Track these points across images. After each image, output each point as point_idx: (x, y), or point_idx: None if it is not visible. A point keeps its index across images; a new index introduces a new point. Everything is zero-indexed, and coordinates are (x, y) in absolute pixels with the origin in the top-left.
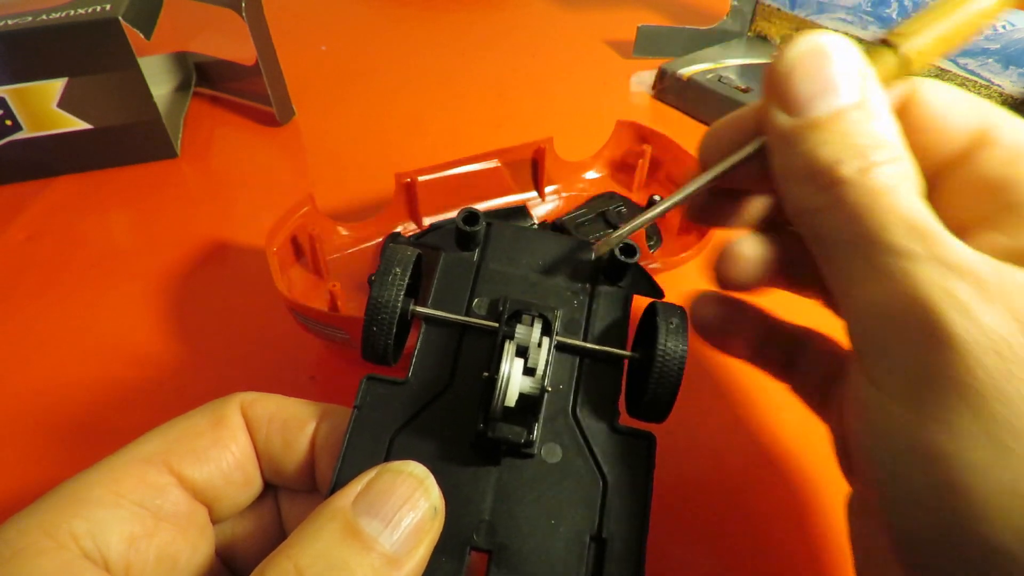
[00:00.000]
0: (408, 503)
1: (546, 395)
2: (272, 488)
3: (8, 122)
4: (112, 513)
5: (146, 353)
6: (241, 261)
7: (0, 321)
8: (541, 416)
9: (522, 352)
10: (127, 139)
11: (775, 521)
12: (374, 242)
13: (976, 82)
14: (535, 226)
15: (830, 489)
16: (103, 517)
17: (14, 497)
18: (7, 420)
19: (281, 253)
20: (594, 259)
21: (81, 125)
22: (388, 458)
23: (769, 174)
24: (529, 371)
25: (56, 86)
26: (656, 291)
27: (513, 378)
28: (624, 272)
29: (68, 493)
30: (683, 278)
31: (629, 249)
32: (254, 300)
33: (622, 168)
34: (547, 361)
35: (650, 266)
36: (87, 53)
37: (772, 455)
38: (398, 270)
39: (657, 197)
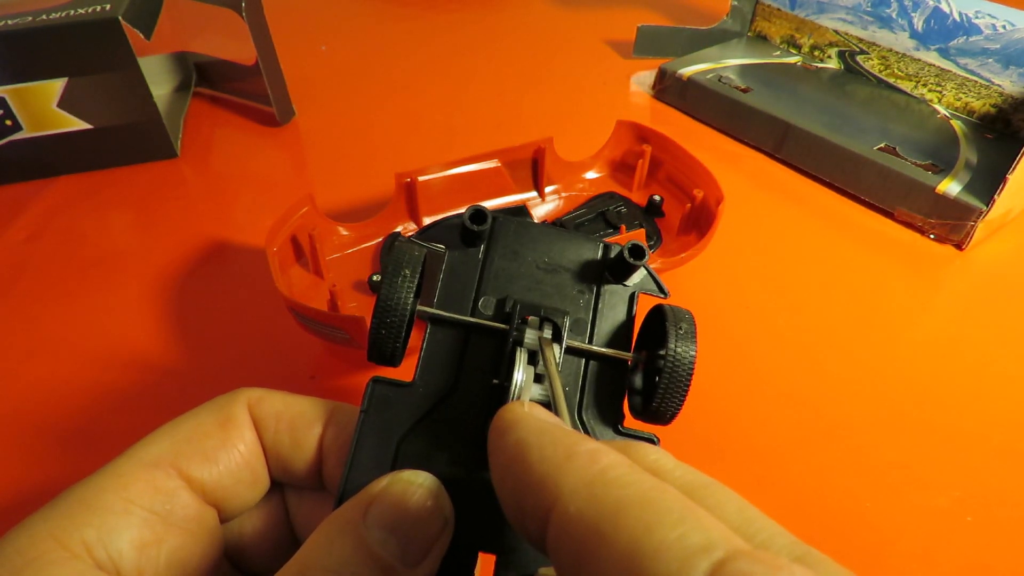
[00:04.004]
0: (420, 516)
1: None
2: (279, 485)
3: (8, 122)
4: (123, 520)
5: (146, 353)
6: (241, 261)
7: (0, 321)
8: None
9: (531, 358)
10: (127, 139)
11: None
12: (374, 242)
13: (976, 82)
14: None
15: (837, 512)
16: (114, 524)
17: (14, 498)
18: (7, 420)
19: (281, 253)
20: (600, 257)
21: (81, 125)
22: (396, 462)
23: None
24: (538, 377)
25: (56, 86)
26: (662, 291)
27: (524, 387)
28: (631, 271)
29: (78, 499)
30: (683, 278)
31: (637, 250)
32: (254, 300)
33: (622, 168)
34: (558, 369)
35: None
36: (87, 53)
37: (770, 448)
38: (408, 271)
39: (658, 197)
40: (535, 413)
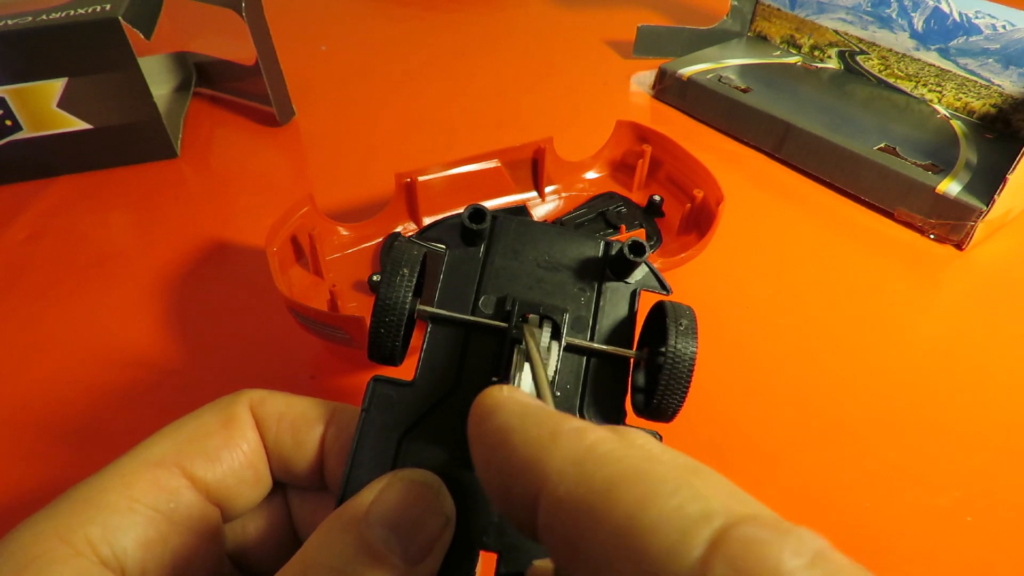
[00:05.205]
0: (421, 514)
1: (555, 399)
2: (281, 486)
3: (8, 122)
4: (127, 518)
5: (146, 353)
6: (241, 261)
7: (0, 321)
8: None
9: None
10: (127, 139)
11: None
12: (374, 242)
13: (976, 82)
14: None
15: (825, 501)
16: (118, 523)
17: (15, 498)
18: (7, 420)
19: (281, 253)
20: (601, 255)
21: (81, 125)
22: (397, 461)
23: None
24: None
25: (56, 86)
26: (664, 287)
27: (523, 385)
28: (632, 268)
29: (82, 497)
30: (683, 278)
31: (637, 247)
32: (254, 300)
33: (622, 168)
34: (556, 367)
35: None
36: (87, 53)
37: (770, 448)
38: (406, 270)
39: (658, 197)
40: (516, 396)
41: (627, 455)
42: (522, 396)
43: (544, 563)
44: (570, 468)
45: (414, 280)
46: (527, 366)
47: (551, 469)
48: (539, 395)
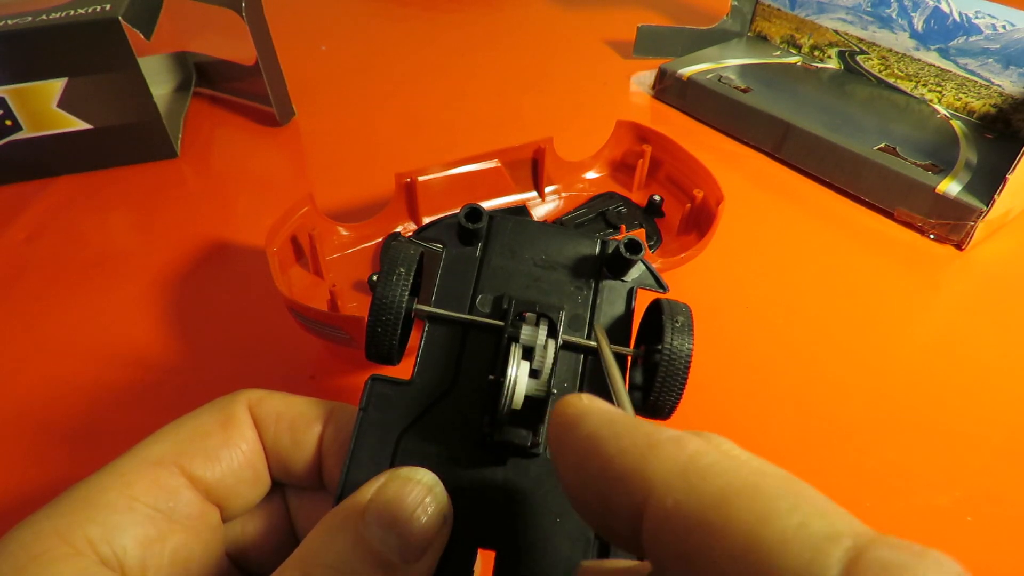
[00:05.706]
0: (418, 512)
1: (551, 396)
2: (280, 486)
3: (8, 122)
4: (126, 517)
5: (146, 353)
6: (241, 261)
7: (0, 321)
8: (547, 418)
9: (527, 353)
10: (127, 139)
11: None
12: (374, 242)
13: (976, 82)
14: None
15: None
16: (118, 521)
17: (16, 498)
18: (7, 420)
19: (281, 253)
20: (598, 253)
21: (81, 125)
22: (395, 459)
23: None
24: (535, 372)
25: (56, 86)
26: (661, 286)
27: (519, 382)
28: (628, 267)
29: (81, 496)
30: (683, 278)
31: (634, 245)
32: (254, 300)
33: (622, 168)
34: (553, 363)
35: None
36: (87, 53)
37: (770, 448)
38: (402, 270)
39: (658, 197)
40: (597, 404)
41: (733, 467)
42: (604, 404)
43: (593, 563)
44: (676, 479)
45: (410, 279)
46: (525, 364)
47: (655, 480)
48: (616, 398)
